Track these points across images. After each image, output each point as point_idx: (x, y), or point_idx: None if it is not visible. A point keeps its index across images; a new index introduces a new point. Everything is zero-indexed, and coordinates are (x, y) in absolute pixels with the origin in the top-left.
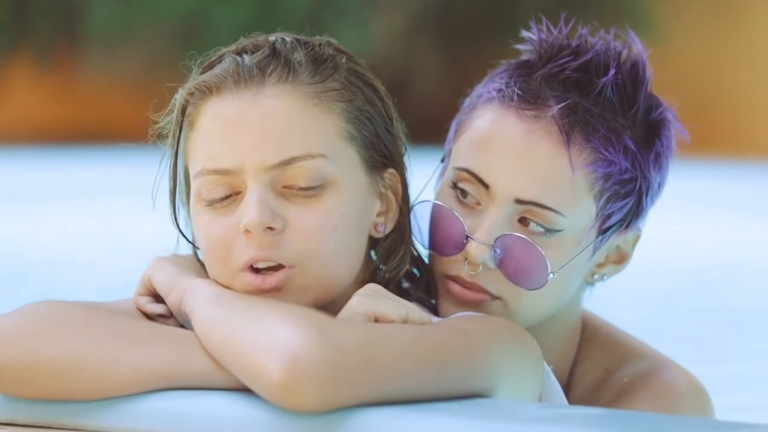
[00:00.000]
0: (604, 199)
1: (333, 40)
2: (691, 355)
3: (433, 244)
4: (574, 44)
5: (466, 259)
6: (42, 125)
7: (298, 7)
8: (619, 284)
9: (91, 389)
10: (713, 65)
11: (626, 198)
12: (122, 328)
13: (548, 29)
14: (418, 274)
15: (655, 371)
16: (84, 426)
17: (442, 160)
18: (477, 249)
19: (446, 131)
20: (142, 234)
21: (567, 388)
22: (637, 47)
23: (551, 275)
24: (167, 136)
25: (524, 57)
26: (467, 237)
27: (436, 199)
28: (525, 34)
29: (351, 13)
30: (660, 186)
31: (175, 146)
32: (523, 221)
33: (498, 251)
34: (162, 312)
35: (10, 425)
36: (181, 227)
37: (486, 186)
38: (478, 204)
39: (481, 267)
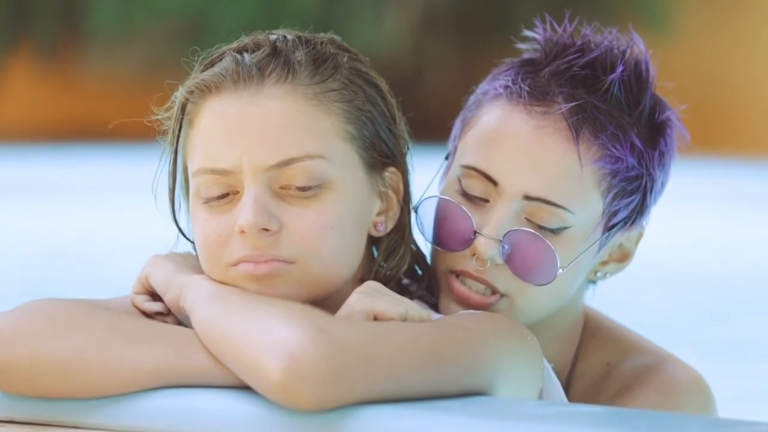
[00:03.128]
0: (611, 195)
1: (336, 38)
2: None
3: (440, 240)
4: (579, 43)
5: (473, 254)
6: (41, 122)
7: (306, 4)
8: (621, 283)
9: (91, 387)
10: (717, 61)
11: (632, 195)
12: (122, 326)
13: (552, 27)
14: (420, 273)
15: (656, 366)
16: (84, 424)
17: (446, 158)
18: (485, 244)
19: (451, 125)
20: (141, 231)
21: (568, 384)
22: (640, 47)
23: (560, 270)
24: (167, 133)
25: (528, 55)
26: (475, 232)
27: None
28: (529, 33)
29: (361, 10)
30: (663, 185)
31: (175, 144)
32: (530, 217)
33: (506, 247)
34: (160, 309)
35: (10, 423)
36: (181, 224)
37: (494, 182)
38: (485, 201)
39: (488, 263)
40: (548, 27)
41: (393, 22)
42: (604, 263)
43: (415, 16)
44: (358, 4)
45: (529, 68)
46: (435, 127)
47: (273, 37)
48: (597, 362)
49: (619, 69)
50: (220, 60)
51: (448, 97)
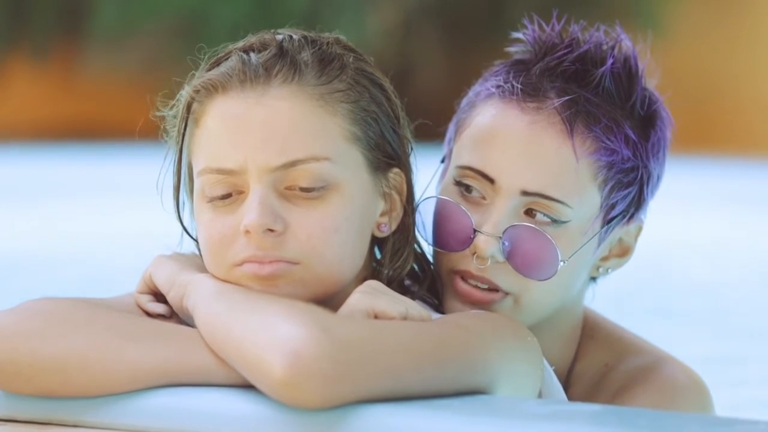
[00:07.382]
0: (608, 188)
1: (342, 38)
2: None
3: (440, 241)
4: (567, 41)
5: (474, 253)
6: (40, 121)
7: (297, 3)
8: (616, 282)
9: (91, 386)
10: (714, 61)
11: (629, 187)
12: (123, 325)
13: (540, 27)
14: (422, 274)
15: (654, 367)
16: (85, 422)
17: (442, 161)
18: (486, 242)
19: (444, 129)
20: (143, 231)
21: (567, 384)
22: (627, 43)
23: (561, 263)
24: (171, 132)
25: (518, 56)
26: (475, 231)
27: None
28: (518, 34)
29: (348, 9)
30: (659, 178)
31: (180, 143)
32: (529, 213)
33: (507, 243)
34: (162, 312)
35: (11, 422)
36: (185, 222)
37: (491, 180)
38: (483, 199)
39: (489, 260)
40: (536, 27)
41: (379, 21)
42: (605, 258)
43: (402, 15)
44: (344, 3)
45: (521, 67)
46: (424, 126)
47: (279, 36)
48: (595, 363)
49: (609, 61)
50: (227, 59)
51: (438, 96)
